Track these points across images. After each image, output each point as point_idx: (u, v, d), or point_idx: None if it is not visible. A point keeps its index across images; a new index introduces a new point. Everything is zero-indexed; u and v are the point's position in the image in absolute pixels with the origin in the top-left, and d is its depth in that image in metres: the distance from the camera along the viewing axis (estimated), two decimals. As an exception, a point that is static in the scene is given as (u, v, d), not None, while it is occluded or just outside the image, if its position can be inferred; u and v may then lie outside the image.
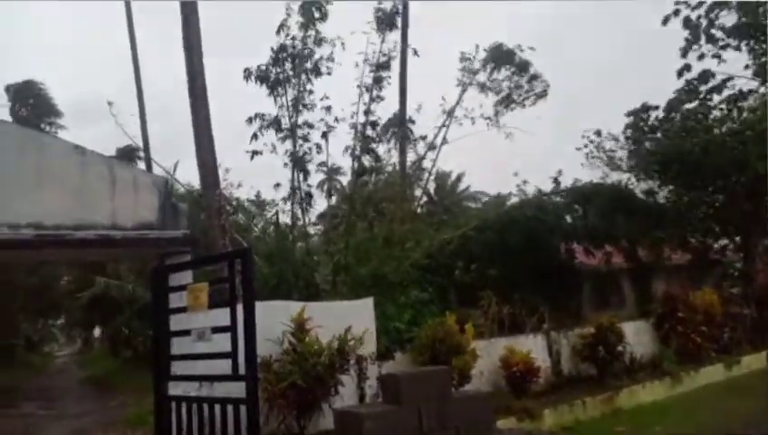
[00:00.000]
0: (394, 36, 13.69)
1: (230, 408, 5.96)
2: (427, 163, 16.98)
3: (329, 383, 7.61)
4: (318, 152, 12.70)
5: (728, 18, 17.36)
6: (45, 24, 73.51)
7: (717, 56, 17.71)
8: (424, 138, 16.01)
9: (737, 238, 18.98)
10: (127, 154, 22.53)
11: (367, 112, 13.01)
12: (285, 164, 12.55)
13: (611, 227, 16.81)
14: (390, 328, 10.16)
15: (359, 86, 12.89)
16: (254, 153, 12.48)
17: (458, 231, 14.47)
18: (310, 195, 12.92)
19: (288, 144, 12.48)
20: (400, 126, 15.56)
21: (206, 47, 12.23)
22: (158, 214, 7.34)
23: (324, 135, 12.68)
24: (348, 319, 8.32)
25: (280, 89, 12.52)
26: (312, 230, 15.77)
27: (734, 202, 17.47)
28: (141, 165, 21.05)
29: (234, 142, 14.08)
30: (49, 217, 6.57)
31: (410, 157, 16.41)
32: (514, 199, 18.49)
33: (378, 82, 13.05)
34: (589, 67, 58.25)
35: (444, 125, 16.01)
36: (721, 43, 17.60)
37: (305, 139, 12.54)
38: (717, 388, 12.35)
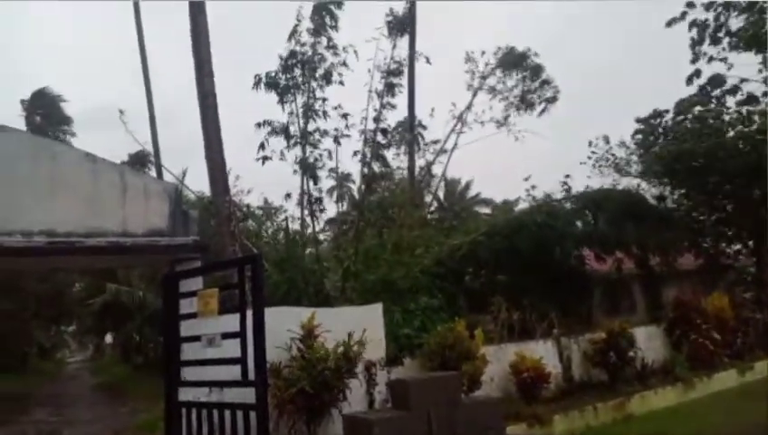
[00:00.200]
0: (405, 42, 13.68)
1: (240, 414, 5.99)
2: (436, 169, 17.01)
3: (336, 389, 7.59)
4: (329, 158, 12.60)
5: (735, 22, 17.32)
6: (45, 25, 74.12)
7: (724, 60, 17.65)
8: (435, 142, 16.02)
9: (750, 243, 18.82)
10: (139, 160, 22.72)
11: (377, 119, 12.90)
12: (295, 171, 12.51)
13: (622, 233, 16.73)
14: (400, 334, 10.12)
15: (369, 91, 12.77)
16: (265, 159, 12.37)
17: (468, 237, 14.32)
18: (320, 200, 12.84)
19: (297, 151, 12.40)
20: (410, 131, 15.56)
21: (215, 51, 12.36)
22: (169, 221, 7.39)
23: (336, 140, 12.51)
24: (356, 325, 8.28)
25: (289, 96, 12.44)
26: (321, 236, 15.79)
27: (746, 206, 17.33)
28: (152, 171, 21.22)
29: (244, 147, 14.11)
30: (61, 225, 6.63)
31: (420, 162, 16.42)
32: (524, 205, 18.48)
33: (390, 88, 12.91)
34: (589, 67, 57.99)
35: (454, 130, 16.04)
36: (730, 46, 17.50)
37: (314, 145, 12.42)
38: (730, 394, 12.19)
